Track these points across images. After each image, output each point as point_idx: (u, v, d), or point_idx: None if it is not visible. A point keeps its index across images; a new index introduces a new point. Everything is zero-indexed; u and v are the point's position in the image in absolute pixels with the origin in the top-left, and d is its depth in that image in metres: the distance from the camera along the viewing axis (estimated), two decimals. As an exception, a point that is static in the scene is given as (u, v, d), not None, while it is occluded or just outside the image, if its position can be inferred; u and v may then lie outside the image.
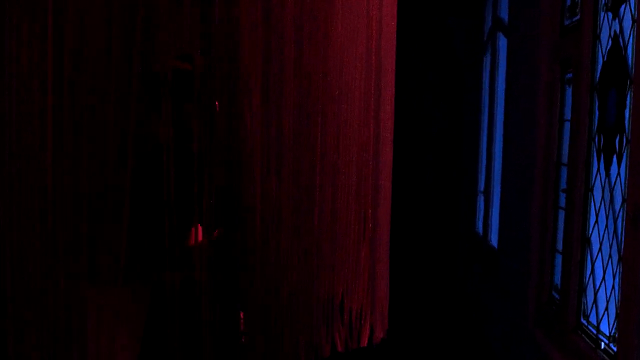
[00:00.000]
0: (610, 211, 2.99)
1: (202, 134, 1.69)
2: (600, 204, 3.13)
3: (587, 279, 3.29)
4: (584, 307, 3.30)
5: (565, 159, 3.71)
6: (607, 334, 2.98)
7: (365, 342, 2.28)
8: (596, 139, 3.19)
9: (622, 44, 2.90)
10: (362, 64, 2.05)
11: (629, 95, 2.80)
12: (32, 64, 1.63)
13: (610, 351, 2.91)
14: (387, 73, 2.18)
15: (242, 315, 1.95)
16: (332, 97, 1.92)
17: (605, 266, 3.04)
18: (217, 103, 1.78)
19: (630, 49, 2.81)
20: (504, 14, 5.24)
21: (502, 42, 5.38)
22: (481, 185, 6.03)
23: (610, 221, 2.99)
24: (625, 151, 2.82)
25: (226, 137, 1.71)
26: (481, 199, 6.03)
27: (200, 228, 1.82)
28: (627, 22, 2.88)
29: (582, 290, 3.32)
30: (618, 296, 2.85)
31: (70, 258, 1.73)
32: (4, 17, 1.67)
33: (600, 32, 3.17)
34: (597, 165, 3.19)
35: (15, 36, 1.68)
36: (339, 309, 2.14)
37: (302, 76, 1.80)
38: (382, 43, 2.12)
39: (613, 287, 2.92)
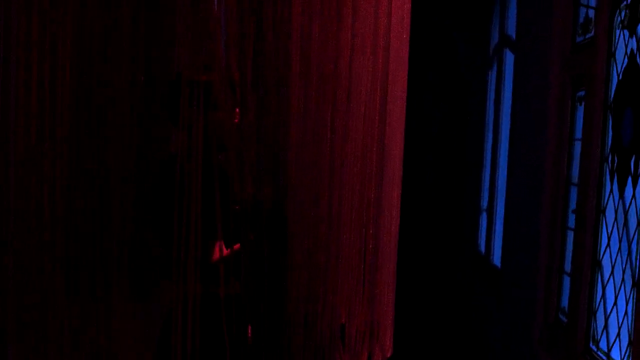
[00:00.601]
0: (624, 234, 2.90)
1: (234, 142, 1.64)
2: (613, 226, 3.04)
3: (597, 302, 3.19)
4: (594, 331, 3.21)
5: (574, 179, 3.63)
6: (619, 361, 2.88)
7: None
8: (609, 159, 3.11)
9: (639, 62, 2.83)
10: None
11: (646, 115, 2.72)
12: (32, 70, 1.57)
13: (622, 379, 2.82)
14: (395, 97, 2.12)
15: (249, 329, 1.87)
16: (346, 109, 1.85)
17: (617, 290, 2.95)
18: (237, 110, 1.71)
19: (648, 68, 2.73)
20: (511, 29, 5.18)
21: (509, 57, 5.32)
22: (484, 203, 5.94)
23: (624, 244, 2.90)
24: (642, 172, 2.74)
25: (271, 146, 1.65)
26: (484, 217, 5.94)
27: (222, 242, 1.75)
28: (645, 40, 2.81)
29: (592, 314, 3.23)
30: (631, 322, 2.75)
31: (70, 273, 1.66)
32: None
33: (615, 50, 3.10)
34: (609, 186, 3.11)
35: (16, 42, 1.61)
36: (339, 333, 2.06)
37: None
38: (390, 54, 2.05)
39: (626, 312, 2.83)
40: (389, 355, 2.29)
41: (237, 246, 1.77)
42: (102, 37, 1.69)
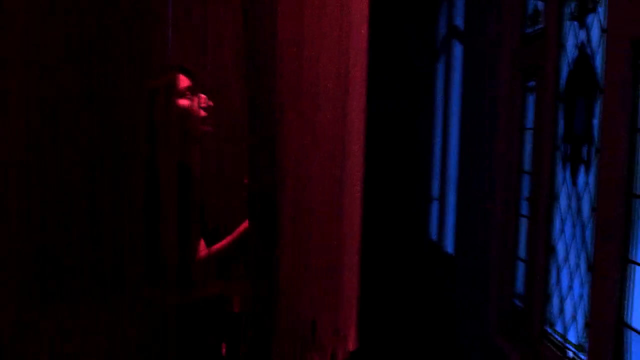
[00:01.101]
0: (578, 220, 3.00)
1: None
2: (567, 212, 3.14)
3: (552, 287, 3.29)
4: (550, 315, 3.31)
5: (526, 167, 3.72)
6: (575, 343, 2.98)
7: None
8: (561, 148, 3.20)
9: (589, 53, 2.92)
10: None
11: (597, 105, 2.81)
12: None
13: (579, 360, 2.92)
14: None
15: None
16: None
17: (572, 275, 3.05)
18: (203, 97, 1.68)
19: (599, 59, 2.82)
20: (459, 20, 5.26)
21: (457, 48, 5.40)
22: (435, 192, 6.04)
23: (578, 230, 2.99)
24: (594, 160, 2.83)
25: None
26: (435, 205, 6.04)
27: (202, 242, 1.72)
28: (594, 31, 2.89)
29: (547, 298, 3.33)
30: (587, 305, 2.85)
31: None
32: None
33: (565, 41, 3.18)
34: (562, 174, 3.20)
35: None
36: (310, 331, 2.06)
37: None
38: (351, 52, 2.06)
39: (581, 295, 2.92)
40: (353, 349, 2.31)
41: (218, 246, 1.75)
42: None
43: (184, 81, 1.92)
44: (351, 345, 2.27)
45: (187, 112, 1.89)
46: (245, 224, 1.83)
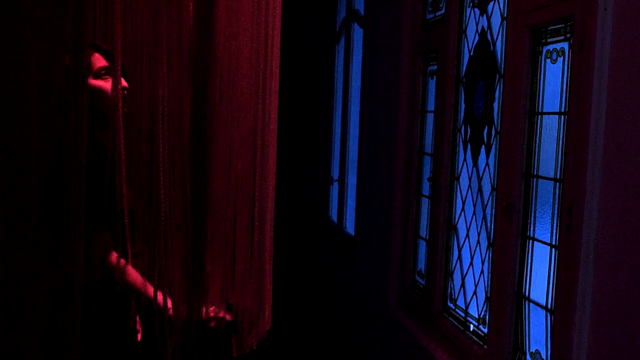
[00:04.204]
0: (479, 199, 3.14)
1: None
2: (467, 192, 3.27)
3: (453, 264, 3.43)
4: (451, 291, 3.45)
5: (427, 149, 3.84)
6: (476, 316, 3.13)
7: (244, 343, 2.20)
8: (462, 130, 3.33)
9: (490, 39, 3.04)
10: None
11: (497, 89, 2.94)
12: None
13: (480, 332, 3.06)
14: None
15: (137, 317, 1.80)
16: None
17: (473, 252, 3.19)
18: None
19: (499, 45, 2.94)
20: (359, 5, 5.32)
21: (357, 31, 5.47)
22: (335, 174, 6.11)
23: (479, 209, 3.13)
24: (495, 142, 2.97)
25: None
26: (335, 187, 6.12)
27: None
28: (495, 18, 3.01)
29: (449, 275, 3.47)
30: (488, 280, 2.99)
31: None
32: None
33: (466, 27, 3.30)
34: (463, 155, 3.33)
35: None
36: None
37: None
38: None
39: (482, 271, 3.07)
40: (268, 328, 2.31)
41: (129, 277, 1.70)
42: None
43: (100, 60, 1.83)
44: (267, 326, 2.29)
45: (101, 92, 1.80)
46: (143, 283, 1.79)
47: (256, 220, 2.12)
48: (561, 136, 2.41)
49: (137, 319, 1.88)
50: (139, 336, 1.90)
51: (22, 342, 1.58)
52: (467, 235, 3.26)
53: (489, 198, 3.03)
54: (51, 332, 1.59)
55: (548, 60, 2.54)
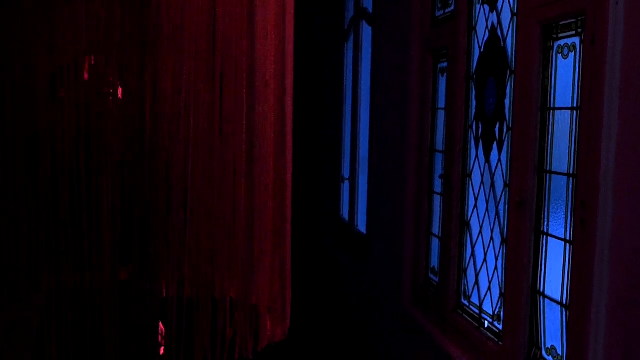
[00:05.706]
0: (491, 196, 3.13)
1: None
2: (480, 189, 3.27)
3: (467, 261, 3.43)
4: (465, 287, 3.45)
5: (438, 146, 3.84)
6: (491, 313, 3.13)
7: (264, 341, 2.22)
8: (474, 127, 3.32)
9: (500, 35, 3.03)
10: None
11: (509, 85, 2.94)
12: None
13: (495, 329, 3.06)
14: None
15: (161, 326, 1.80)
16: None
17: (486, 248, 3.19)
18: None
19: (510, 41, 2.94)
20: (368, 3, 5.32)
21: (366, 29, 5.47)
22: (346, 172, 6.12)
23: (491, 205, 3.13)
24: (507, 138, 2.96)
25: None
26: (346, 186, 6.12)
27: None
28: (505, 15, 3.01)
29: (462, 271, 3.47)
30: (502, 276, 2.99)
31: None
32: None
33: (476, 24, 3.30)
34: (475, 152, 3.33)
35: None
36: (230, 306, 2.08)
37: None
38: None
39: (496, 268, 3.07)
40: (287, 328, 2.33)
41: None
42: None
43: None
44: (286, 325, 2.31)
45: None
46: None
47: (277, 223, 2.17)
48: (574, 131, 2.41)
49: (162, 328, 1.89)
50: (162, 350, 1.91)
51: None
52: (480, 231, 3.26)
53: (501, 194, 3.02)
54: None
55: (559, 56, 2.54)
